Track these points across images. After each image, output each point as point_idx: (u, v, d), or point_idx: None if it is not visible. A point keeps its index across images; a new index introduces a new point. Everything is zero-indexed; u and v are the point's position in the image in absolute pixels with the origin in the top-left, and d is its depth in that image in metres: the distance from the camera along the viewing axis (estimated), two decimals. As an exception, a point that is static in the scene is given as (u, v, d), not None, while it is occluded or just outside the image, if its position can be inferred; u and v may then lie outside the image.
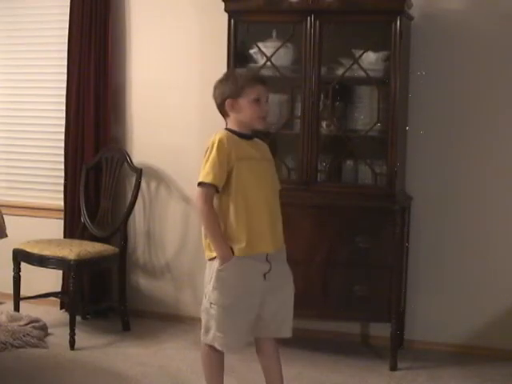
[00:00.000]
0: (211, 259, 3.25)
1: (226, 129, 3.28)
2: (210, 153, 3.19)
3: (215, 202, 3.22)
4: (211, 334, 3.27)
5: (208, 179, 3.16)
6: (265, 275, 3.23)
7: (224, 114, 3.29)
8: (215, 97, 3.29)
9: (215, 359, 3.37)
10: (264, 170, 3.30)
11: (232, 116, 3.26)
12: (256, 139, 3.35)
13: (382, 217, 4.17)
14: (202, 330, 3.31)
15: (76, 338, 4.43)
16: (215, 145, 3.19)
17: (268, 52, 4.33)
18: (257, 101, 3.22)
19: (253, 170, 3.24)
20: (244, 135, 3.27)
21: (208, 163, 3.18)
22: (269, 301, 3.27)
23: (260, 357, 3.48)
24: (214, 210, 3.20)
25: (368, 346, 4.63)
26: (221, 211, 3.21)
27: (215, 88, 3.30)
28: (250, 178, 3.22)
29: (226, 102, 3.24)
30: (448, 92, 4.42)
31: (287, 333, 3.40)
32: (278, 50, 4.31)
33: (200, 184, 3.18)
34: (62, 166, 5.10)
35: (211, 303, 3.24)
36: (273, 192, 3.32)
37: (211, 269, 3.25)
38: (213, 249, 3.20)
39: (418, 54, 4.41)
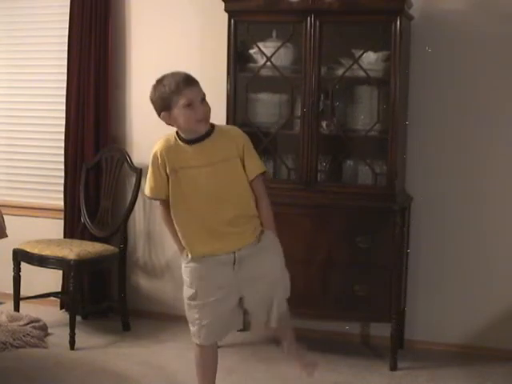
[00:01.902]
0: None
1: (176, 132, 3.26)
2: (150, 168, 3.29)
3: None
4: (190, 327, 3.32)
5: (147, 192, 3.32)
6: (233, 265, 3.23)
7: (168, 124, 3.25)
8: (155, 110, 3.24)
9: (202, 357, 3.37)
10: (206, 175, 3.19)
11: (174, 126, 3.23)
12: (212, 137, 3.23)
13: (382, 217, 4.17)
14: None
15: (76, 338, 4.44)
16: (152, 158, 3.27)
17: (268, 52, 4.33)
18: (188, 105, 3.14)
19: (188, 179, 3.20)
20: (189, 140, 3.21)
21: (148, 177, 3.31)
22: (248, 293, 3.27)
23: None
24: (167, 217, 3.33)
25: (368, 346, 4.63)
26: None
27: (150, 100, 3.24)
28: (184, 189, 3.20)
29: (162, 116, 3.20)
30: (448, 92, 4.42)
31: (274, 323, 3.36)
32: (278, 49, 4.31)
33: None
34: (62, 166, 5.10)
35: (184, 297, 3.32)
36: (214, 197, 3.20)
37: None
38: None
39: (418, 54, 4.41)
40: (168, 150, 3.23)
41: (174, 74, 3.22)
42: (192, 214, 3.22)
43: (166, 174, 3.22)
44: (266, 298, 3.31)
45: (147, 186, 3.31)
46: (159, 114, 3.22)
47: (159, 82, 3.22)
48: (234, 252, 3.22)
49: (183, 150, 3.22)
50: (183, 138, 3.23)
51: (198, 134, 3.22)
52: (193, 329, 3.31)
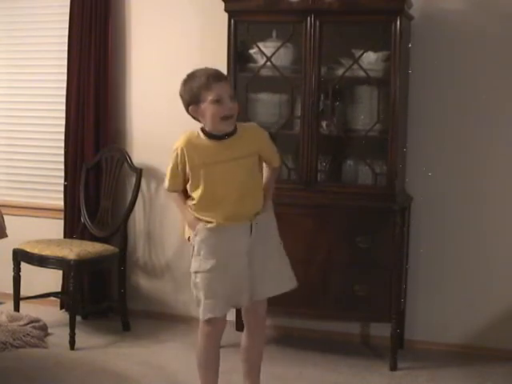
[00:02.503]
0: (189, 238, 3.37)
1: (201, 128, 3.31)
2: (171, 163, 3.36)
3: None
4: (201, 307, 3.31)
5: (166, 186, 3.42)
6: (250, 232, 3.30)
7: (195, 118, 3.31)
8: (182, 104, 3.31)
9: (210, 343, 3.38)
10: (230, 170, 3.27)
11: (201, 120, 3.28)
12: (239, 133, 3.31)
13: (382, 217, 4.17)
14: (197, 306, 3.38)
15: (76, 338, 4.44)
16: (172, 153, 3.33)
17: (268, 52, 4.33)
18: (217, 101, 3.19)
19: (212, 174, 3.26)
20: (216, 136, 3.27)
21: (167, 170, 3.40)
22: (255, 257, 3.32)
23: (246, 325, 3.52)
24: (179, 196, 3.42)
25: (368, 346, 4.63)
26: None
27: (180, 95, 3.31)
28: (207, 183, 3.27)
29: (190, 109, 3.26)
30: (448, 92, 4.42)
31: (290, 285, 3.43)
32: (278, 50, 4.31)
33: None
34: (62, 166, 5.10)
35: (195, 272, 3.32)
36: (238, 188, 3.30)
37: (191, 245, 3.36)
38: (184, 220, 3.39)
39: (418, 54, 4.41)
40: (189, 145, 3.28)
41: (205, 69, 3.29)
42: (214, 205, 3.28)
43: (184, 169, 3.29)
44: (260, 274, 3.35)
45: (166, 180, 3.42)
46: (187, 108, 3.27)
47: (190, 75, 3.29)
48: (251, 221, 3.31)
49: (207, 146, 3.27)
50: (210, 133, 3.27)
51: (224, 131, 3.27)
52: (207, 301, 3.28)
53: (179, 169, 3.32)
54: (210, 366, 3.42)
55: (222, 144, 3.28)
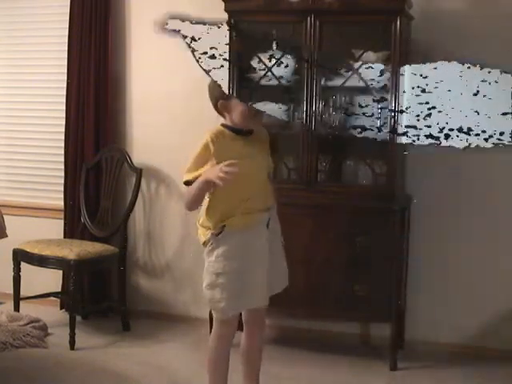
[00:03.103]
0: (205, 242, 3.30)
1: (222, 124, 3.31)
2: (197, 150, 3.25)
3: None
4: (224, 306, 3.25)
5: (185, 177, 3.25)
6: (267, 224, 3.31)
7: (220, 114, 3.33)
8: (210, 98, 3.34)
9: (222, 344, 3.35)
10: (253, 166, 3.28)
11: (227, 116, 3.30)
12: (255, 133, 3.35)
13: (382, 217, 4.17)
14: (211, 308, 3.34)
15: (76, 338, 4.43)
16: (200, 142, 3.25)
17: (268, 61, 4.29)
18: None
19: (240, 167, 3.20)
20: (239, 131, 3.29)
21: (192, 161, 3.25)
22: (272, 250, 3.32)
23: (246, 326, 3.47)
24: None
25: (368, 346, 4.63)
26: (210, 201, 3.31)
27: (208, 89, 3.35)
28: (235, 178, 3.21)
29: (219, 104, 3.28)
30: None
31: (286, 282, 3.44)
32: (277, 60, 4.28)
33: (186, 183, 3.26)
34: (62, 166, 5.10)
35: (219, 273, 3.25)
36: (260, 185, 3.32)
37: (209, 245, 3.29)
38: (201, 186, 3.20)
39: (417, 54, 4.41)
40: (221, 138, 3.26)
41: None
42: (237, 201, 3.26)
43: (209, 160, 3.21)
44: (277, 259, 3.37)
45: (187, 170, 3.26)
46: (216, 102, 3.29)
47: None
48: (268, 215, 3.32)
49: (234, 140, 3.28)
50: (235, 129, 3.29)
51: (250, 127, 3.32)
52: (240, 301, 3.26)
53: (206, 155, 3.21)
54: (220, 367, 3.40)
55: (245, 140, 3.31)
